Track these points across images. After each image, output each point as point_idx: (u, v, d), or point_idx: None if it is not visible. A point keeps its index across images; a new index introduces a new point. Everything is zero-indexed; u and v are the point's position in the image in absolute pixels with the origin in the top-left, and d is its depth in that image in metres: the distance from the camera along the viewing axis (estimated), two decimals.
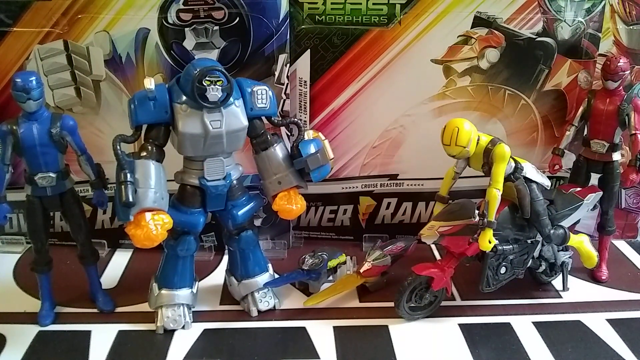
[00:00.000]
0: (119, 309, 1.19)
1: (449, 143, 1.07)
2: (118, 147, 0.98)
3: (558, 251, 1.23)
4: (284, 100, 1.30)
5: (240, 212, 1.12)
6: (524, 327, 1.15)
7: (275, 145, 1.11)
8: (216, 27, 1.22)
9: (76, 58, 1.25)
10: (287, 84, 1.29)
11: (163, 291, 1.13)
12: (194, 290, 1.16)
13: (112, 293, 1.23)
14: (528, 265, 1.20)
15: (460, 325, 1.16)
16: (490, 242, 1.07)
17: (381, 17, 1.26)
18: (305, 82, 1.31)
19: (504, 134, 1.37)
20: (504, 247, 1.13)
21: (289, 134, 1.31)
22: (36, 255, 1.13)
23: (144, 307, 1.17)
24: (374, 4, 1.25)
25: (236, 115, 1.03)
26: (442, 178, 1.19)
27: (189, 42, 1.23)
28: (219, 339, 1.11)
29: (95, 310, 1.18)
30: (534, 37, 1.29)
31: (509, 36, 1.29)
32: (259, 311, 1.18)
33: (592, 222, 1.42)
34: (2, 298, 1.22)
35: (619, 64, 1.19)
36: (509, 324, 1.16)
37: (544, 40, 1.30)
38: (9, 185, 1.05)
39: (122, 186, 0.96)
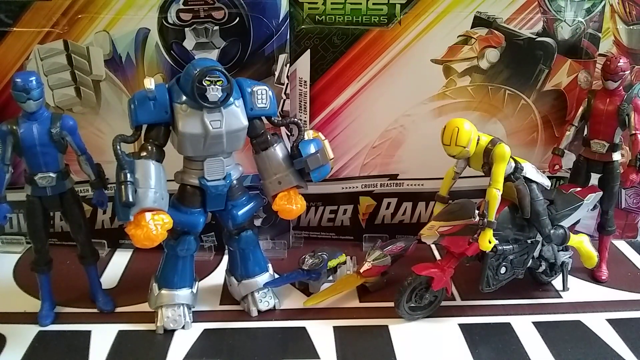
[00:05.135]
0: (119, 309, 1.19)
1: (449, 143, 1.07)
2: (118, 147, 0.98)
3: (558, 251, 1.23)
4: (284, 100, 1.30)
5: (240, 212, 1.12)
6: (524, 327, 1.15)
7: (275, 145, 1.11)
8: (216, 27, 1.22)
9: (76, 58, 1.25)
10: (287, 84, 1.29)
11: (163, 291, 1.13)
12: (194, 290, 1.16)
13: (112, 293, 1.23)
14: (528, 265, 1.20)
15: (460, 325, 1.16)
16: (490, 242, 1.07)
17: (381, 17, 1.26)
18: (305, 82, 1.31)
19: (504, 134, 1.37)
20: (504, 247, 1.13)
21: (289, 134, 1.31)
22: (36, 255, 1.13)
23: (144, 307, 1.17)
24: (374, 4, 1.25)
25: (236, 115, 1.03)
26: (442, 178, 1.19)
27: (189, 42, 1.23)
28: (219, 339, 1.11)
29: (95, 310, 1.18)
30: (534, 37, 1.29)
31: (509, 36, 1.29)
32: (259, 311, 1.18)
33: (592, 222, 1.42)
34: (2, 298, 1.22)
35: (619, 64, 1.19)
36: (509, 324, 1.16)
37: (544, 40, 1.30)
38: (9, 185, 1.05)
39: (122, 186, 0.96)
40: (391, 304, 1.16)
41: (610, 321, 1.17)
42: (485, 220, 1.07)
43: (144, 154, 1.01)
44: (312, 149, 1.10)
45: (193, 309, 1.16)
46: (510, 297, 1.23)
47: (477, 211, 1.08)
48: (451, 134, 1.07)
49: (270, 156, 1.11)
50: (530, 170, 1.13)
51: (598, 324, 1.17)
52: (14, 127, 1.02)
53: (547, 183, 1.16)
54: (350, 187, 1.43)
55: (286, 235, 1.44)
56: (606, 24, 1.31)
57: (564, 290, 1.27)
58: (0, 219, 1.04)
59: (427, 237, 1.14)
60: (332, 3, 1.25)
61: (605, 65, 1.21)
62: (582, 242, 1.25)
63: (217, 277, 1.32)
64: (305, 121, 1.34)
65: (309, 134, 1.12)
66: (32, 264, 1.14)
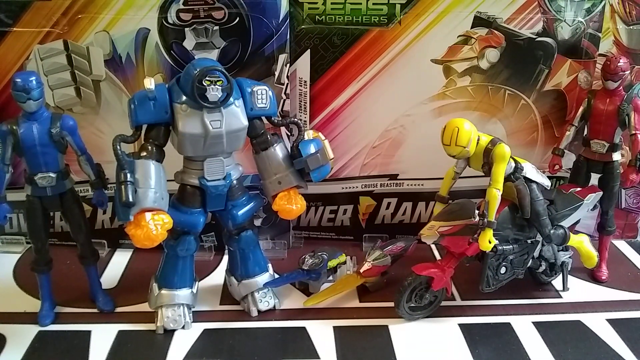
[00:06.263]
0: (119, 309, 1.19)
1: (449, 143, 1.07)
2: (118, 147, 0.98)
3: (558, 251, 1.23)
4: (284, 100, 1.30)
5: (240, 212, 1.12)
6: (524, 327, 1.15)
7: (275, 145, 1.11)
8: (216, 27, 1.22)
9: (76, 58, 1.25)
10: (287, 84, 1.29)
11: (163, 291, 1.13)
12: (194, 290, 1.16)
13: (112, 293, 1.23)
14: (528, 265, 1.20)
15: (460, 325, 1.16)
16: (490, 242, 1.07)
17: (381, 17, 1.26)
18: (305, 82, 1.31)
19: (504, 134, 1.37)
20: (504, 247, 1.13)
21: (289, 134, 1.31)
22: (36, 255, 1.13)
23: (144, 307, 1.17)
24: (374, 4, 1.25)
25: (236, 115, 1.03)
26: (442, 178, 1.19)
27: (189, 42, 1.23)
28: (219, 339, 1.11)
29: (95, 310, 1.18)
30: (534, 37, 1.29)
31: (509, 36, 1.29)
32: (259, 311, 1.18)
33: (592, 222, 1.42)
34: (2, 298, 1.22)
35: (619, 64, 1.19)
36: (509, 324, 1.16)
37: (544, 40, 1.30)
38: (9, 185, 1.05)
39: (122, 186, 0.96)
40: (391, 304, 1.16)
41: (610, 321, 1.17)
42: (485, 220, 1.07)
43: (144, 154, 1.00)
44: (312, 149, 1.10)
45: (193, 309, 1.16)
46: (510, 297, 1.23)
47: (477, 211, 1.08)
48: (451, 134, 1.07)
49: (270, 156, 1.11)
50: (530, 170, 1.13)
51: (598, 324, 1.17)
52: (14, 127, 1.02)
53: (547, 183, 1.16)
54: (350, 187, 1.43)
55: (286, 235, 1.44)
56: (606, 24, 1.31)
57: (564, 290, 1.27)
58: (0, 219, 1.04)
59: (427, 237, 1.14)
60: (332, 3, 1.25)
61: (605, 65, 1.21)
62: (582, 242, 1.25)
63: (217, 277, 1.32)
64: (305, 121, 1.34)
65: (309, 134, 1.12)
66: (32, 264, 1.14)
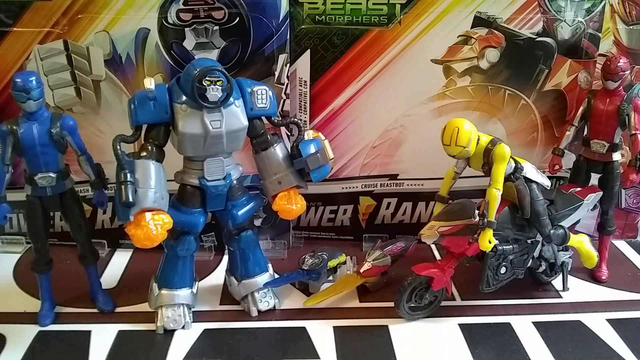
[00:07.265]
0: (119, 309, 1.19)
1: (449, 143, 1.07)
2: (118, 147, 0.98)
3: (558, 251, 1.23)
4: (284, 100, 1.30)
5: (240, 212, 1.12)
6: (524, 327, 1.15)
7: (275, 145, 1.11)
8: (216, 27, 1.22)
9: (76, 58, 1.25)
10: (287, 84, 1.29)
11: (163, 291, 1.13)
12: (194, 290, 1.16)
13: (112, 293, 1.23)
14: (528, 265, 1.20)
15: (460, 325, 1.16)
16: (490, 242, 1.07)
17: (381, 17, 1.26)
18: (305, 82, 1.31)
19: (504, 134, 1.37)
20: (504, 247, 1.13)
21: (289, 134, 1.31)
22: (36, 255, 1.13)
23: (144, 307, 1.17)
24: (374, 4, 1.25)
25: (236, 115, 1.03)
26: (442, 178, 1.19)
27: (189, 42, 1.23)
28: (219, 339, 1.12)
29: (95, 310, 1.19)
30: (534, 37, 1.29)
31: (509, 36, 1.29)
32: (259, 311, 1.18)
33: (592, 222, 1.42)
34: (2, 298, 1.22)
35: (619, 64, 1.19)
36: (509, 324, 1.16)
37: (544, 40, 1.30)
38: (9, 185, 1.05)
39: (122, 186, 0.96)
40: (391, 304, 1.16)
41: (610, 321, 1.17)
42: (485, 220, 1.07)
43: (144, 154, 1.01)
44: (312, 149, 1.10)
45: (193, 309, 1.16)
46: (510, 297, 1.23)
47: (477, 211, 1.08)
48: (451, 134, 1.07)
49: (270, 156, 1.11)
50: (530, 170, 1.13)
51: (598, 324, 1.17)
52: (14, 127, 1.02)
53: (547, 183, 1.16)
54: (350, 187, 1.43)
55: (286, 235, 1.44)
56: (606, 24, 1.31)
57: (564, 290, 1.27)
58: (0, 219, 1.04)
59: (427, 237, 1.14)
60: (332, 3, 1.25)
61: (605, 65, 1.21)
62: (582, 242, 1.25)
63: (217, 277, 1.32)
64: (305, 121, 1.34)
65: (309, 134, 1.12)
66: (32, 264, 1.14)
